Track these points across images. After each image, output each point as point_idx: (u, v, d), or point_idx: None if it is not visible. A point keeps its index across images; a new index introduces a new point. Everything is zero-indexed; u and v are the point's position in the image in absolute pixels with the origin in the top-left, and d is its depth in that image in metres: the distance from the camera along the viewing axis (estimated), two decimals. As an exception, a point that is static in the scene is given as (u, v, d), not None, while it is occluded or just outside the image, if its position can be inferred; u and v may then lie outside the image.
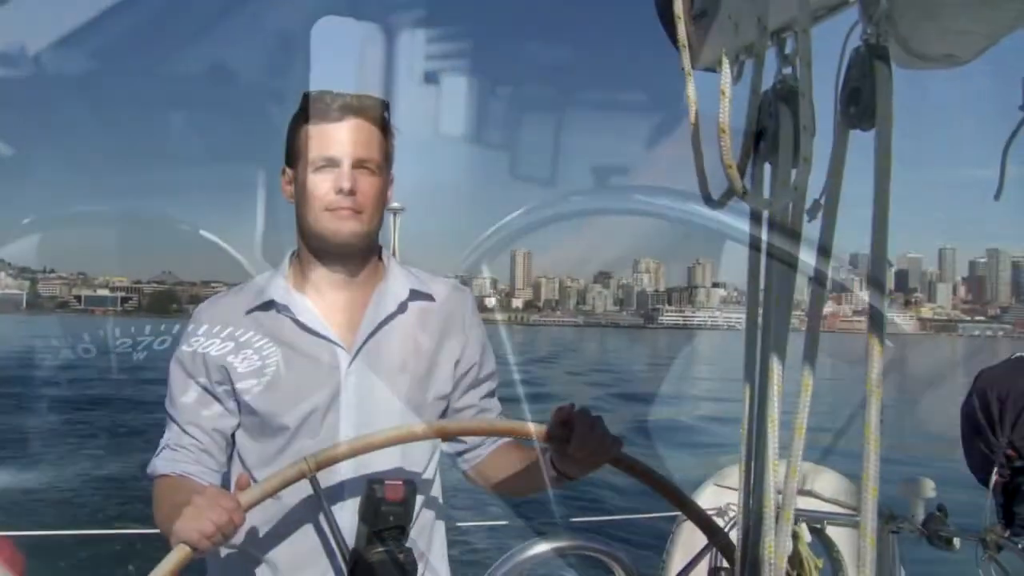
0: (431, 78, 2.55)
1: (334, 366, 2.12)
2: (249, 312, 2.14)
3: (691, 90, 0.96)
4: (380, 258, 2.25)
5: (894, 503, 3.27)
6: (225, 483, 2.17)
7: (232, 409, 2.14)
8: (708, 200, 1.00)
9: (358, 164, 2.08)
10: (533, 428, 2.18)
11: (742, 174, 0.95)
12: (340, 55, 2.31)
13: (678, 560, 3.45)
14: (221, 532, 1.83)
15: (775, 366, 1.21)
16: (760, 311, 1.20)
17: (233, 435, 2.16)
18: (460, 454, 2.34)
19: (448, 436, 2.24)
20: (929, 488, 3.24)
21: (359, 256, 2.17)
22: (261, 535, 2.12)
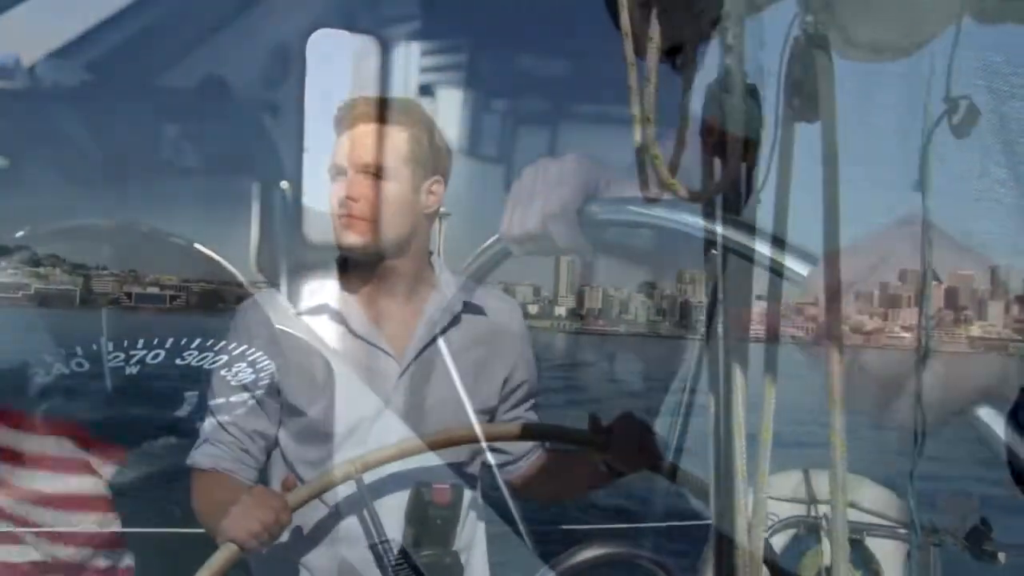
0: (426, 90, 2.56)
1: (385, 376, 2.13)
2: (300, 315, 2.15)
3: (632, 79, 0.93)
4: (431, 264, 2.24)
5: (938, 518, 3.16)
6: (263, 482, 2.19)
7: (275, 413, 2.16)
8: (646, 197, 0.96)
9: (362, 169, 2.08)
10: (571, 432, 2.16)
11: (675, 169, 0.91)
12: (336, 67, 2.32)
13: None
14: (268, 532, 1.85)
15: (736, 370, 1.17)
16: (720, 315, 1.16)
17: (276, 436, 2.18)
18: (502, 465, 2.33)
19: (492, 440, 2.24)
20: (973, 504, 3.13)
21: (393, 263, 2.16)
22: (306, 536, 2.13)
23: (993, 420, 1.07)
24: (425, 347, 2.16)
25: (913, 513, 2.37)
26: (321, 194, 2.18)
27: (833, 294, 1.03)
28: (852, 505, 3.67)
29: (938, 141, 0.96)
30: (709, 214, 1.09)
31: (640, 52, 1.01)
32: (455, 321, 2.20)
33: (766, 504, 1.25)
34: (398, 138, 2.09)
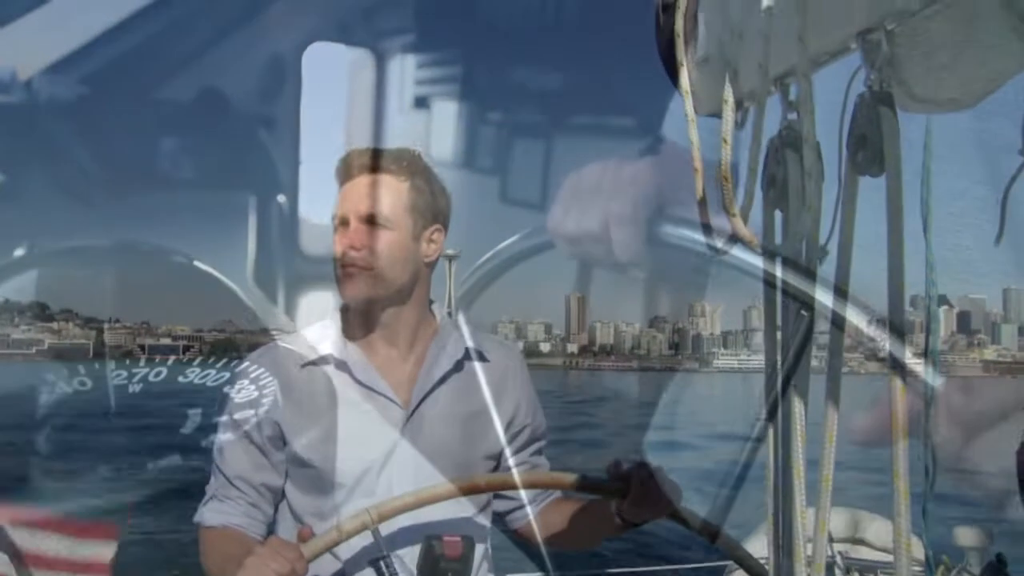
0: (421, 103, 2.56)
1: (390, 424, 2.11)
2: (305, 366, 2.14)
3: (694, 135, 0.95)
4: (432, 311, 2.24)
5: (950, 552, 3.16)
6: (271, 535, 2.16)
7: (281, 465, 2.14)
8: (712, 247, 0.98)
9: (366, 220, 2.08)
10: (588, 481, 2.16)
11: (745, 220, 0.93)
12: (331, 80, 2.33)
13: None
14: None
15: (797, 413, 1.18)
16: (779, 358, 1.18)
17: (283, 488, 2.16)
18: (513, 511, 2.32)
19: (508, 488, 2.23)
20: (986, 536, 3.14)
21: (395, 311, 2.16)
22: None
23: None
24: (428, 393, 2.15)
25: (927, 549, 2.38)
26: (317, 206, 2.19)
27: (899, 338, 1.05)
28: (863, 543, 3.67)
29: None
30: (770, 263, 1.11)
31: (699, 110, 1.04)
32: (457, 367, 2.19)
33: (826, 546, 1.26)
34: (399, 188, 2.10)
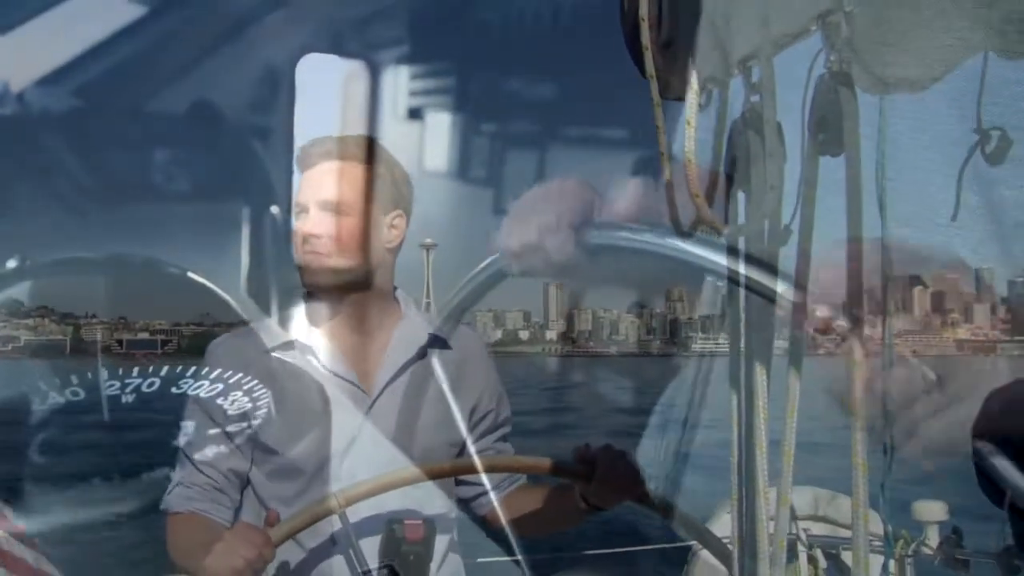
0: (415, 114, 2.56)
1: (354, 409, 2.12)
2: (270, 351, 2.13)
3: (660, 120, 0.96)
4: (396, 298, 2.24)
5: (909, 527, 3.22)
6: (237, 520, 2.16)
7: (247, 449, 2.13)
8: (679, 231, 0.99)
9: (324, 206, 2.08)
10: (554, 464, 2.17)
11: (711, 203, 0.94)
12: (325, 92, 2.32)
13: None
14: (252, 568, 1.82)
15: (760, 392, 1.20)
16: (742, 340, 1.19)
17: (247, 474, 2.16)
18: (476, 497, 2.32)
19: (474, 472, 2.24)
20: (942, 510, 3.20)
21: (358, 297, 2.16)
22: (289, 571, 2.10)
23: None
24: (392, 379, 2.16)
25: (886, 524, 2.42)
26: None
27: (856, 317, 1.06)
28: (827, 520, 3.72)
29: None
30: (732, 246, 1.12)
31: (665, 93, 1.04)
32: (420, 354, 2.20)
33: (789, 522, 1.28)
34: (357, 174, 2.11)
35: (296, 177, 2.13)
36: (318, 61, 2.26)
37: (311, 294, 2.21)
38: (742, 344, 1.19)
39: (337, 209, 2.11)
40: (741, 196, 1.10)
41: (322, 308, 2.20)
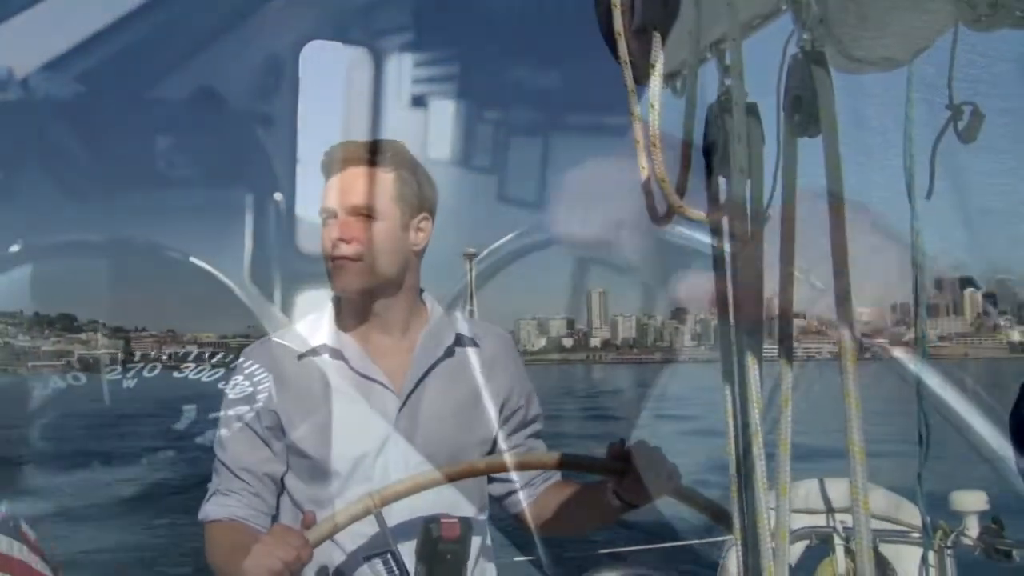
0: (418, 101, 2.56)
1: (385, 410, 2.12)
2: (301, 357, 2.15)
3: (634, 106, 0.94)
4: (422, 300, 2.25)
5: (947, 517, 3.14)
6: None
7: (282, 453, 2.14)
8: (654, 217, 0.96)
9: (354, 211, 2.08)
10: (588, 461, 2.16)
11: (683, 191, 0.92)
12: (328, 78, 2.33)
13: (730, 584, 3.36)
14: (290, 569, 1.83)
15: (752, 382, 1.17)
16: (732, 324, 1.16)
17: (283, 478, 2.17)
18: (509, 495, 2.32)
19: (508, 470, 2.23)
20: (981, 500, 3.11)
21: (387, 300, 2.17)
22: (327, 573, 2.11)
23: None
24: (421, 379, 2.16)
25: (924, 516, 2.37)
26: (314, 204, 2.18)
27: (845, 305, 1.03)
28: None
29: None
30: (716, 232, 1.10)
31: (640, 79, 1.02)
32: (448, 353, 2.20)
33: (789, 517, 1.24)
34: (386, 179, 2.10)
35: (322, 182, 2.14)
36: (322, 48, 2.26)
37: (340, 298, 2.22)
38: (732, 335, 1.16)
39: (367, 214, 2.12)
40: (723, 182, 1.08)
41: (351, 311, 2.21)
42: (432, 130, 2.55)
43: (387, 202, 2.14)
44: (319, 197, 2.15)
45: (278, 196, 2.33)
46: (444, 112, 2.62)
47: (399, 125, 2.38)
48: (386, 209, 2.13)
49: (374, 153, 2.14)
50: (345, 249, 2.10)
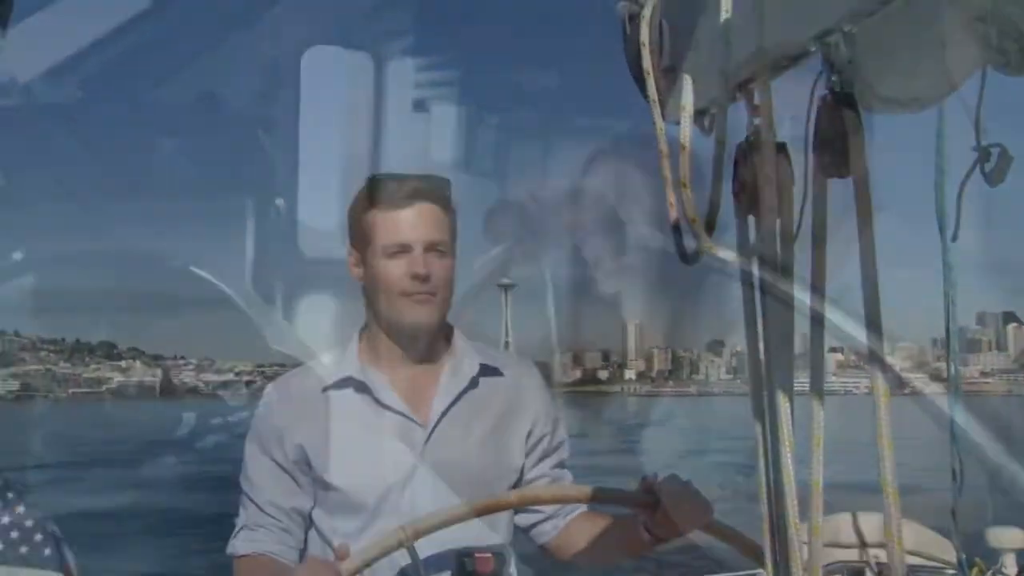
0: (419, 106, 2.57)
1: (412, 442, 2.12)
2: (326, 390, 2.15)
3: (663, 144, 0.95)
4: (446, 332, 2.26)
5: (983, 554, 3.09)
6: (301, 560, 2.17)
7: (309, 487, 2.14)
8: (683, 256, 0.97)
9: (430, 247, 2.10)
10: (619, 494, 2.14)
11: (711, 229, 0.93)
12: (330, 83, 2.34)
13: (761, 618, 3.31)
14: None
15: (784, 416, 1.17)
16: (763, 362, 1.16)
17: (310, 512, 2.17)
18: (535, 525, 2.30)
19: (541, 503, 2.23)
20: (1020, 538, 3.06)
21: (434, 335, 2.19)
22: None
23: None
24: (447, 411, 2.16)
25: (959, 551, 2.33)
26: (313, 209, 2.19)
27: (877, 340, 1.03)
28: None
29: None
30: (746, 270, 1.10)
31: (667, 117, 1.03)
32: (473, 384, 2.20)
33: (821, 552, 1.23)
34: (451, 216, 2.14)
35: (377, 216, 2.13)
36: (324, 53, 2.26)
37: (377, 331, 2.22)
38: (763, 369, 1.16)
39: (442, 249, 2.14)
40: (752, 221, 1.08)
41: (379, 344, 2.21)
42: (433, 133, 2.56)
43: (451, 238, 2.18)
44: (326, 204, 2.15)
45: (279, 201, 2.33)
46: (445, 116, 2.62)
47: (399, 128, 2.39)
48: (451, 245, 2.17)
49: (440, 189, 2.16)
50: (425, 285, 2.11)
